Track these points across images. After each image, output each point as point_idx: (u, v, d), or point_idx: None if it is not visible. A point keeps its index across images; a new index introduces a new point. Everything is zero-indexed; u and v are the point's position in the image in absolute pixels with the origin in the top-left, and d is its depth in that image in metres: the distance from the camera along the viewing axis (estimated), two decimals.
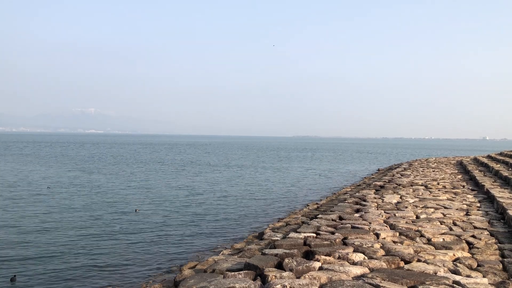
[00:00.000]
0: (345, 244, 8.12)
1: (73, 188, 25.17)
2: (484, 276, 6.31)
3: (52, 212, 17.53)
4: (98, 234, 14.12)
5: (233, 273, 6.62)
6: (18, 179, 29.27)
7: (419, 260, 6.99)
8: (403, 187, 17.37)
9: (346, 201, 13.94)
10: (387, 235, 8.76)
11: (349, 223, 9.94)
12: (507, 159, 26.30)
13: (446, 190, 16.30)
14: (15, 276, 9.88)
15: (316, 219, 10.73)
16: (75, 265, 10.82)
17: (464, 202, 13.35)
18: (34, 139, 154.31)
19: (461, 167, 29.77)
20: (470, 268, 6.78)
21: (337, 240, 8.30)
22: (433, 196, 14.61)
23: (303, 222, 12.15)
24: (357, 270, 6.34)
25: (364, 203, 13.28)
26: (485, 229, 9.45)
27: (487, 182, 17.17)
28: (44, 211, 17.80)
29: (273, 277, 6.14)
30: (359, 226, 9.59)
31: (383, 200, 13.75)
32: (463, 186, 17.61)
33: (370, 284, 5.63)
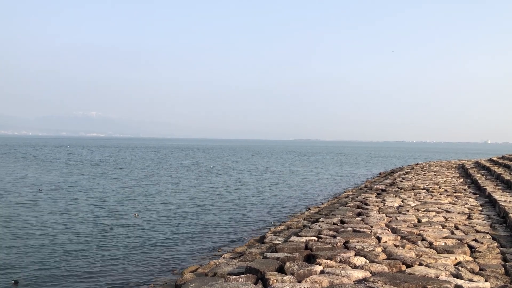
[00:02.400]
0: (346, 247, 8.10)
1: (73, 191, 25.19)
2: (486, 280, 6.29)
3: (53, 216, 17.54)
4: (98, 238, 14.12)
5: (234, 276, 6.62)
6: (18, 183, 29.31)
7: (420, 264, 6.97)
8: (405, 190, 17.34)
9: (348, 205, 13.91)
10: (388, 238, 8.74)
11: (350, 227, 9.92)
12: (509, 163, 26.25)
13: (447, 193, 16.27)
14: (14, 280, 9.88)
15: (318, 223, 10.72)
16: (75, 269, 10.81)
17: (466, 205, 13.32)
18: (37, 142, 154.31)
19: (463, 170, 29.72)
20: (472, 272, 6.76)
21: (339, 243, 8.28)
22: (435, 199, 14.58)
23: (304, 226, 12.13)
24: (359, 274, 6.33)
25: (365, 206, 13.25)
26: (487, 233, 9.42)
27: (489, 186, 17.14)
28: (44, 214, 17.82)
29: (275, 281, 6.13)
30: (361, 229, 9.57)
31: (384, 203, 13.73)
32: (465, 190, 17.58)
33: None
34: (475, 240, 8.73)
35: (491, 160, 34.50)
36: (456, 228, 9.96)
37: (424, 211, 12.22)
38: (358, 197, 16.20)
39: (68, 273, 10.50)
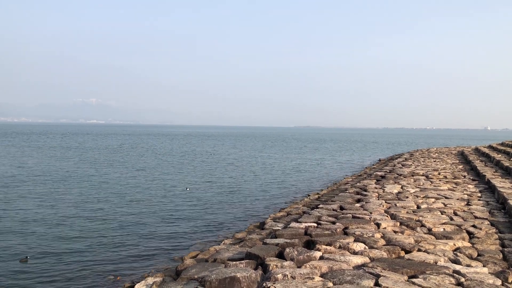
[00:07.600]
0: (346, 233, 8.15)
1: (81, 179, 25.25)
2: (484, 266, 6.34)
3: (59, 202, 17.63)
4: (101, 224, 14.21)
5: (234, 262, 6.66)
6: (23, 170, 29.38)
7: (419, 250, 7.03)
8: (404, 177, 17.38)
9: (347, 191, 13.97)
10: (387, 225, 8.79)
11: (350, 213, 9.98)
12: (508, 149, 26.27)
13: (447, 180, 16.31)
14: (27, 257, 10.41)
15: (317, 209, 10.77)
16: (78, 254, 10.91)
17: (465, 192, 13.37)
18: (39, 130, 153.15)
19: (462, 157, 29.76)
20: (470, 257, 6.81)
21: (338, 229, 8.33)
22: (434, 186, 14.63)
23: (304, 212, 12.19)
24: (358, 260, 6.37)
25: (365, 193, 13.30)
26: (486, 219, 9.47)
27: (488, 172, 17.18)
28: (51, 200, 17.90)
29: (274, 266, 6.18)
30: (360, 216, 9.62)
31: (384, 190, 13.78)
32: (464, 176, 17.62)
33: (370, 273, 5.66)
34: (473, 226, 8.79)
35: (490, 147, 34.51)
36: (455, 214, 10.01)
37: (423, 197, 12.27)
38: (358, 184, 16.25)
39: (72, 258, 10.61)
